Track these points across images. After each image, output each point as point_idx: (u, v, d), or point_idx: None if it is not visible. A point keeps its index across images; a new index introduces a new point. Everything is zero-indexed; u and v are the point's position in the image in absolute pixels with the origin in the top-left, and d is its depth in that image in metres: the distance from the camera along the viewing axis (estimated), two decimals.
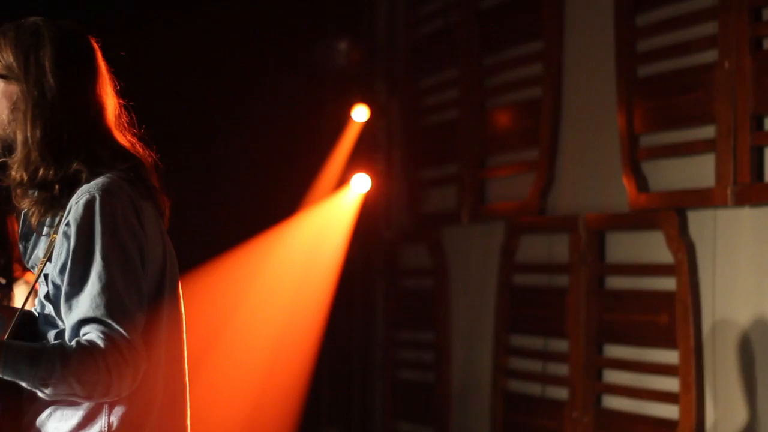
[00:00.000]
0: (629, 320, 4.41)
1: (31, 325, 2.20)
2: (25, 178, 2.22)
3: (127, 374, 2.08)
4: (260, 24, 5.92)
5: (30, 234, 2.27)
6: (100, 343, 2.06)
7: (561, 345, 4.78)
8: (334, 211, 5.77)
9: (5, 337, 2.16)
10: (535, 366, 5.01)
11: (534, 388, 5.00)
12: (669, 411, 4.14)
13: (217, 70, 5.75)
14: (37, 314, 2.25)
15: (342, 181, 5.85)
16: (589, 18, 4.76)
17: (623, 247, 4.51)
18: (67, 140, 2.22)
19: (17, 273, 3.28)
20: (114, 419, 2.15)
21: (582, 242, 4.63)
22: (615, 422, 4.45)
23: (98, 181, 2.19)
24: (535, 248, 5.06)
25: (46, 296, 2.21)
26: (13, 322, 2.17)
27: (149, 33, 5.39)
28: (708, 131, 4.03)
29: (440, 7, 5.91)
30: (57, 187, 2.21)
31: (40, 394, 2.12)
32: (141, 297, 2.15)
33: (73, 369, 2.05)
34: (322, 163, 5.84)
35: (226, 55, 5.79)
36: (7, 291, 3.29)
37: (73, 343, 2.09)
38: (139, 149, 2.34)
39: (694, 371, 4.00)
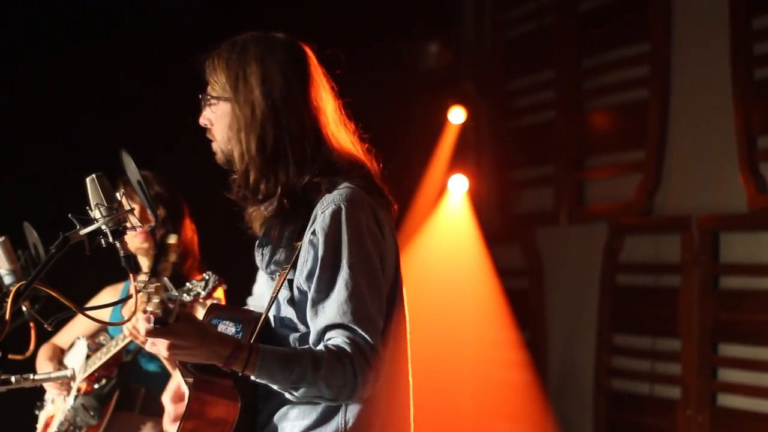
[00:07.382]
0: (748, 320, 4.43)
1: (267, 328, 2.25)
2: (247, 193, 2.27)
3: (370, 377, 2.14)
4: (348, 26, 5.93)
5: (268, 243, 2.31)
6: (347, 348, 2.12)
7: (672, 344, 4.81)
8: (446, 214, 5.78)
9: (251, 341, 2.20)
10: (642, 365, 5.03)
11: (641, 387, 5.03)
12: None
13: None
14: (272, 318, 2.29)
15: (442, 182, 5.85)
16: (698, 20, 4.79)
17: (739, 247, 4.54)
18: (286, 153, 2.24)
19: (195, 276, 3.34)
20: (350, 416, 2.20)
21: (695, 242, 4.67)
22: (732, 420, 4.48)
23: (342, 191, 2.22)
24: (640, 248, 5.09)
25: (290, 300, 2.24)
26: (258, 325, 2.22)
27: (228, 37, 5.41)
28: None
29: (532, 10, 5.93)
30: (286, 199, 2.24)
31: (288, 396, 2.17)
32: (383, 303, 2.21)
33: (323, 373, 2.11)
34: (421, 165, 5.84)
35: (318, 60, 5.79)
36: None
37: (322, 347, 2.14)
38: (360, 150, 2.35)
39: None
